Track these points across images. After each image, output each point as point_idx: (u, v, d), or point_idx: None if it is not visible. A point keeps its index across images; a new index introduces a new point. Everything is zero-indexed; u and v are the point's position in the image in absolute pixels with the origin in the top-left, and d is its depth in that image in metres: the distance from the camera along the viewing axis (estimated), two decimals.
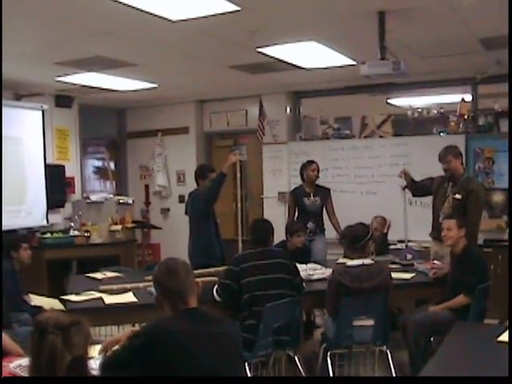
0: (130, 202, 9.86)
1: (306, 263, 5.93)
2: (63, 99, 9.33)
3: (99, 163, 10.79)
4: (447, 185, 6.06)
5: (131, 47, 6.40)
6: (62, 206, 9.19)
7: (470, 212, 5.74)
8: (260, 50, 6.57)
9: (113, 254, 8.55)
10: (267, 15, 5.33)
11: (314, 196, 7.21)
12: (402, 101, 9.33)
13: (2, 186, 7.58)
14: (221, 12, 5.09)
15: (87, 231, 8.82)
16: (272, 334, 4.54)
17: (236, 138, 10.15)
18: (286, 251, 5.62)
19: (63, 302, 5.09)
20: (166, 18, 5.23)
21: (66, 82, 8.16)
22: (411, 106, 8.89)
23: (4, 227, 7.26)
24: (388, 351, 4.86)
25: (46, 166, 8.62)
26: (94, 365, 2.89)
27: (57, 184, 8.87)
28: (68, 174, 9.31)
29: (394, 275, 5.31)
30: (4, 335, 4.00)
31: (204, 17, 5.20)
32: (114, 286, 5.29)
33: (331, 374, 4.73)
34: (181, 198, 9.92)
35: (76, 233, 8.78)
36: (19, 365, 3.26)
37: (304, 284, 5.09)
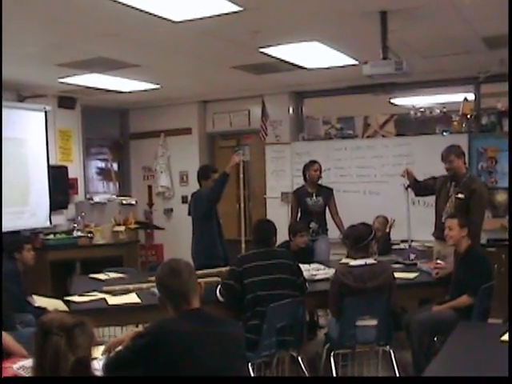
0: (133, 202, 9.86)
1: (309, 263, 5.93)
2: (66, 100, 9.35)
3: (102, 164, 10.80)
4: (450, 184, 6.06)
5: (134, 48, 6.40)
6: (65, 207, 9.21)
7: (473, 211, 5.73)
8: (262, 50, 6.57)
9: (116, 255, 8.56)
10: (269, 15, 5.33)
11: (316, 196, 7.21)
12: (404, 100, 9.33)
13: (6, 187, 7.59)
14: (223, 12, 5.09)
15: (90, 232, 8.83)
16: (275, 335, 4.54)
17: (239, 138, 10.14)
18: (289, 251, 5.63)
19: (67, 302, 5.10)
20: (168, 19, 5.23)
21: (69, 84, 8.18)
22: (414, 106, 8.88)
23: (7, 228, 7.28)
24: (391, 351, 4.86)
25: (49, 167, 8.64)
26: (98, 365, 2.90)
27: (60, 185, 8.88)
28: (71, 175, 9.33)
29: (398, 275, 5.31)
30: (8, 336, 4.01)
31: (206, 17, 5.20)
32: (117, 287, 5.30)
33: (335, 375, 4.73)
34: (184, 199, 9.93)
35: (79, 234, 8.79)
36: (22, 366, 3.26)
37: (307, 284, 5.08)
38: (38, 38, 5.91)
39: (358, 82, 8.16)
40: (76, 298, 5.04)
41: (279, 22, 5.56)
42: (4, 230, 7.17)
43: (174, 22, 5.31)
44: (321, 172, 7.30)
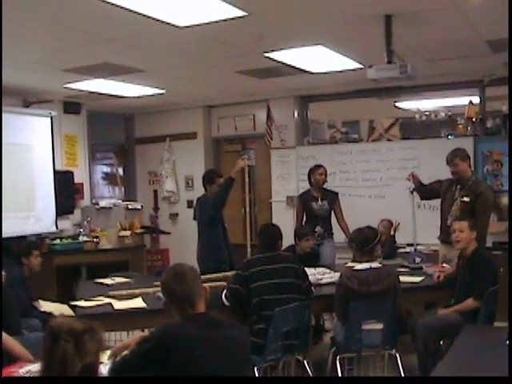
0: (139, 207, 9.87)
1: (314, 267, 5.92)
2: (71, 106, 9.37)
3: (108, 169, 10.83)
4: (455, 188, 6.05)
5: (139, 53, 6.42)
6: (71, 212, 9.22)
7: (479, 215, 5.72)
8: (267, 54, 6.58)
9: (122, 260, 8.57)
10: (274, 20, 5.34)
11: (321, 200, 7.20)
12: (409, 104, 9.33)
13: (12, 192, 7.62)
14: (228, 17, 5.11)
15: (96, 237, 8.85)
16: (281, 339, 4.54)
17: (244, 142, 10.15)
18: (294, 255, 5.63)
19: (73, 307, 5.10)
20: (173, 24, 5.25)
21: (75, 89, 8.20)
22: (419, 109, 8.87)
23: (14, 233, 7.32)
24: (397, 355, 4.85)
25: (55, 173, 8.65)
26: (104, 370, 2.90)
27: (66, 190, 8.90)
28: (77, 180, 9.35)
29: (403, 278, 5.31)
30: (14, 341, 4.02)
31: (211, 22, 5.22)
32: (123, 292, 5.31)
33: None
34: (189, 203, 9.94)
35: (85, 239, 8.81)
36: (29, 370, 3.27)
37: (313, 288, 5.08)
38: (44, 43, 5.93)
39: (363, 86, 8.17)
40: (82, 303, 5.04)
41: (284, 27, 5.57)
42: (10, 235, 7.21)
43: (178, 27, 5.32)
44: (326, 176, 7.30)
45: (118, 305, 4.95)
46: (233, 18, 5.13)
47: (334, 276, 5.55)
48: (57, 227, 8.68)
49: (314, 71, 7.53)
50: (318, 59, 6.88)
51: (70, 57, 6.44)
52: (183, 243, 9.27)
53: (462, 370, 3.37)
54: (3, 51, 5.73)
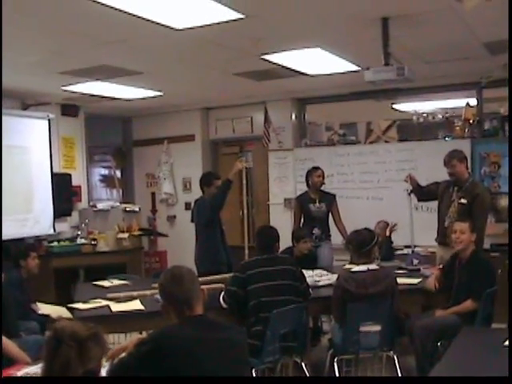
0: (137, 209, 9.88)
1: (312, 269, 5.93)
2: (69, 108, 9.38)
3: (105, 171, 10.83)
4: (453, 189, 6.06)
5: (136, 56, 6.43)
6: (69, 215, 9.23)
7: (476, 216, 5.72)
8: (265, 57, 6.59)
9: (120, 262, 8.56)
10: (271, 23, 5.35)
11: (319, 202, 7.21)
12: (407, 106, 9.35)
13: (10, 195, 7.62)
14: (225, 20, 5.11)
15: (94, 239, 8.85)
16: (279, 341, 4.55)
17: (242, 144, 10.16)
18: (292, 257, 5.64)
19: (70, 310, 5.11)
20: (170, 27, 5.25)
21: (72, 91, 8.20)
22: (416, 111, 8.89)
23: (12, 236, 7.32)
24: (395, 356, 4.86)
25: (53, 175, 8.66)
26: (102, 372, 2.91)
27: (63, 193, 8.90)
28: (74, 182, 9.35)
29: (401, 280, 5.31)
30: (12, 343, 4.02)
31: (208, 25, 5.22)
32: (121, 294, 5.31)
33: None
34: (187, 206, 9.93)
35: (83, 241, 8.81)
36: (26, 373, 3.27)
37: (310, 290, 5.09)
38: (41, 46, 5.94)
39: (361, 88, 8.18)
40: (80, 305, 5.05)
41: (281, 29, 5.58)
42: (8, 237, 7.20)
43: (176, 29, 5.33)
44: (324, 178, 7.30)
45: (116, 307, 4.96)
46: (230, 21, 5.13)
47: (332, 278, 5.56)
48: (54, 230, 8.69)
49: (311, 73, 7.53)
50: (316, 61, 6.89)
51: (67, 59, 6.44)
52: (181, 245, 9.26)
53: (459, 371, 3.38)
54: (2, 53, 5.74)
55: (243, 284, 4.71)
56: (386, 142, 8.97)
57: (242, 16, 5.03)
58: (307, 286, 5.04)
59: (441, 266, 5.64)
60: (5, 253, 6.32)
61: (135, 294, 5.30)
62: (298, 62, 6.90)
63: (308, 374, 4.79)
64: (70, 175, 9.23)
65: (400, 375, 4.82)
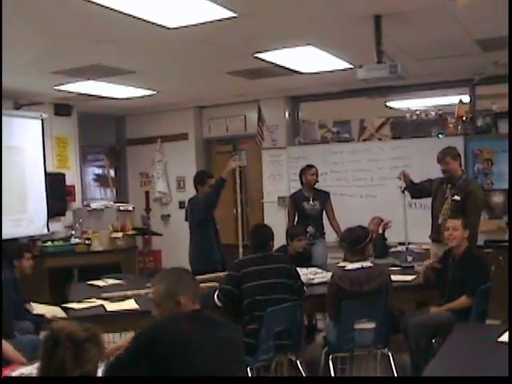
0: (131, 208, 9.87)
1: (306, 267, 5.94)
2: (62, 108, 9.36)
3: (99, 171, 10.81)
4: (446, 187, 6.07)
5: (129, 55, 6.42)
6: (63, 215, 9.21)
7: (469, 213, 5.73)
8: (257, 55, 6.59)
9: (114, 262, 8.56)
10: (264, 21, 5.35)
11: (313, 200, 7.21)
12: (400, 103, 9.35)
13: (3, 195, 7.60)
14: (218, 19, 5.11)
15: (88, 239, 8.83)
16: (273, 339, 4.55)
17: (235, 143, 10.16)
18: (286, 256, 5.64)
19: (65, 309, 5.10)
20: (163, 26, 5.25)
21: (65, 91, 8.19)
22: (409, 109, 8.90)
23: (5, 236, 7.29)
24: (390, 354, 4.86)
25: (47, 175, 8.64)
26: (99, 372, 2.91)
27: (57, 192, 8.89)
28: (68, 182, 9.33)
29: (395, 277, 5.32)
30: (7, 344, 4.01)
31: (201, 23, 5.22)
32: (116, 294, 5.31)
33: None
34: (181, 204, 9.93)
35: (77, 241, 8.80)
36: (22, 374, 3.27)
37: (305, 288, 5.10)
38: (34, 45, 5.92)
39: (354, 86, 8.19)
40: (74, 305, 5.04)
41: (274, 28, 5.58)
42: (3, 237, 7.18)
43: (169, 28, 5.33)
44: (317, 176, 7.30)
45: (111, 306, 4.95)
46: (223, 19, 5.13)
47: (326, 276, 5.57)
48: (48, 229, 8.68)
49: (304, 71, 7.54)
50: (309, 59, 6.89)
51: (60, 59, 6.43)
52: (175, 244, 9.26)
53: (454, 368, 3.39)
54: None
55: (238, 282, 4.71)
56: (380, 139, 9.00)
57: (234, 14, 5.03)
58: (302, 284, 5.04)
59: (431, 261, 5.64)
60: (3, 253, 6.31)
61: (129, 293, 5.30)
62: (291, 60, 6.90)
63: (303, 372, 4.80)
64: (63, 175, 9.22)
65: (395, 372, 4.82)
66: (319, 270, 5.92)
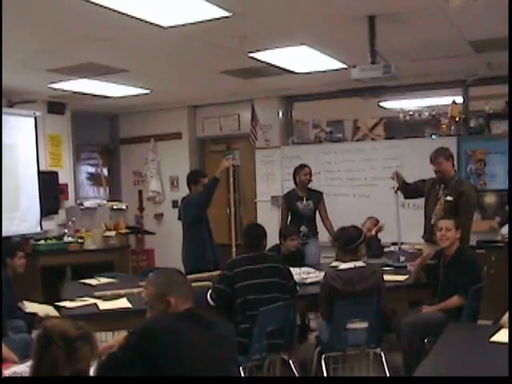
0: (124, 207, 9.86)
1: (299, 267, 5.93)
2: (56, 106, 9.33)
3: (92, 169, 10.79)
4: (439, 187, 6.08)
5: (123, 53, 6.42)
6: (56, 213, 9.19)
7: (462, 214, 5.74)
8: (251, 55, 6.60)
9: (107, 260, 8.54)
10: (258, 21, 5.36)
11: (306, 200, 7.22)
12: (393, 104, 9.37)
13: None
14: (212, 18, 5.11)
15: (81, 237, 8.81)
16: (266, 338, 4.55)
17: (229, 142, 10.16)
18: (279, 255, 5.65)
19: (58, 308, 5.09)
20: (157, 24, 5.25)
21: (59, 89, 8.17)
22: (403, 109, 8.91)
23: None
24: (382, 353, 4.88)
25: (40, 173, 8.62)
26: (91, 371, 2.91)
27: (50, 191, 8.86)
28: (61, 180, 9.30)
29: (388, 277, 5.33)
30: None
31: (195, 23, 5.23)
32: (109, 292, 5.30)
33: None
34: (174, 204, 9.92)
35: (70, 239, 8.77)
36: (14, 372, 3.26)
37: (298, 287, 5.10)
38: (28, 43, 5.91)
39: (347, 86, 8.20)
40: (67, 304, 5.04)
41: (268, 27, 5.58)
42: None
43: (163, 27, 5.33)
44: (311, 176, 7.31)
45: (103, 305, 4.95)
46: (217, 19, 5.13)
47: (319, 275, 5.57)
48: (41, 228, 8.66)
49: (298, 71, 7.55)
50: (303, 59, 6.90)
51: (54, 57, 6.42)
52: (168, 243, 9.26)
53: (445, 367, 3.40)
54: None
55: (230, 282, 4.71)
56: (373, 139, 9.02)
57: (228, 14, 5.03)
58: (294, 284, 5.04)
59: (420, 260, 5.65)
60: None
61: (122, 292, 5.30)
62: (284, 59, 6.91)
63: (295, 371, 4.80)
64: (56, 173, 9.19)
65: (387, 372, 4.84)
66: (312, 270, 5.92)
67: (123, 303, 5.00)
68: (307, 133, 9.73)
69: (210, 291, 4.83)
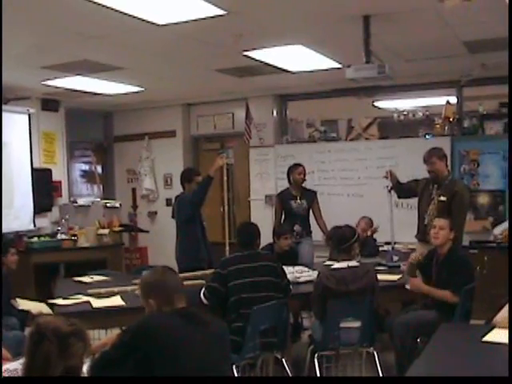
0: (117, 205, 9.86)
1: (293, 266, 5.94)
2: (50, 103, 9.31)
3: (86, 167, 10.75)
4: (432, 187, 6.09)
5: (118, 51, 6.41)
6: (49, 210, 9.17)
7: (455, 214, 5.75)
8: (246, 53, 6.60)
9: (100, 258, 8.55)
10: (253, 19, 5.36)
11: (300, 199, 7.23)
12: (387, 103, 9.38)
13: None
14: (207, 16, 5.12)
15: (74, 235, 8.81)
16: (259, 337, 4.56)
17: (223, 141, 10.16)
18: (272, 254, 5.65)
19: (51, 305, 5.09)
20: (152, 22, 5.25)
21: (53, 86, 8.16)
22: (397, 109, 8.92)
23: None
24: (375, 353, 4.88)
25: (33, 170, 8.60)
26: (84, 369, 2.90)
27: (44, 188, 8.85)
28: (55, 177, 9.29)
29: (381, 277, 5.34)
30: None
31: (190, 21, 5.23)
32: (102, 290, 5.30)
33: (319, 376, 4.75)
34: (168, 202, 9.92)
35: (63, 237, 8.76)
36: (7, 369, 3.26)
37: (291, 286, 5.11)
38: (23, 40, 5.89)
39: (342, 85, 8.20)
40: (60, 301, 5.03)
41: (263, 26, 5.59)
42: None
43: (158, 25, 5.32)
44: (305, 175, 7.32)
45: (97, 303, 4.95)
46: (212, 17, 5.14)
47: (313, 274, 5.58)
48: (35, 225, 8.65)
49: (292, 70, 7.55)
50: (297, 58, 6.91)
51: (49, 54, 6.41)
52: (162, 241, 9.26)
53: (438, 366, 3.40)
54: None
55: (224, 280, 4.71)
56: (367, 139, 9.02)
57: (223, 12, 5.03)
58: (288, 283, 5.05)
59: (413, 257, 5.64)
60: None
61: (116, 289, 5.30)
62: (279, 58, 6.92)
63: (288, 370, 4.81)
64: (50, 170, 9.18)
65: (380, 371, 4.85)
66: (305, 269, 5.93)
67: (117, 301, 5.00)
68: (301, 132, 9.73)
69: (203, 289, 4.83)
